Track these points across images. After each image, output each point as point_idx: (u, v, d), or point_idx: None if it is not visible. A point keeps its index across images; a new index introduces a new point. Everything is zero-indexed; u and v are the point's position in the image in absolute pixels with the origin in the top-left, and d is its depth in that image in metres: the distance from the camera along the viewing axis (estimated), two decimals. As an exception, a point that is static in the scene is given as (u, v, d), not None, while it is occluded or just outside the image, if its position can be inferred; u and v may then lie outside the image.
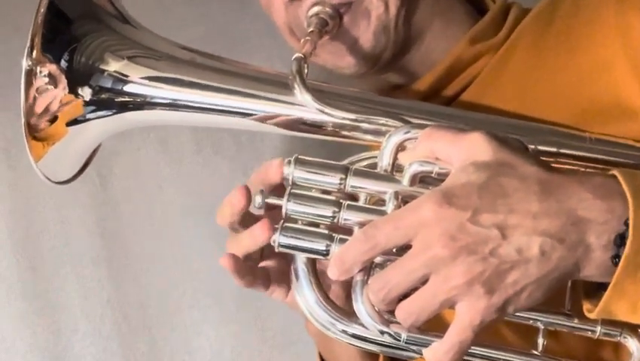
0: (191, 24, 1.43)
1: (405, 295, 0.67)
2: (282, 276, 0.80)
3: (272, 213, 0.76)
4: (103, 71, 0.80)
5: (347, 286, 0.77)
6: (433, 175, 0.69)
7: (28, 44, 0.76)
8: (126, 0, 0.86)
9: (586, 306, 0.71)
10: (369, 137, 0.79)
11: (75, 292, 1.41)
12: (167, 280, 1.44)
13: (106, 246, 1.43)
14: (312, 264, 0.75)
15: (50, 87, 0.78)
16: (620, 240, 0.64)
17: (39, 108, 0.79)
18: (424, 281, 0.66)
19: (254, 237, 0.75)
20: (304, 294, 0.75)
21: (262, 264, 0.81)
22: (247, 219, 0.77)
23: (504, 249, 0.64)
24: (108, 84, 0.80)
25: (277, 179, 0.74)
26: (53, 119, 0.80)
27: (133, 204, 1.44)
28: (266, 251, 0.80)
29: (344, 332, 0.74)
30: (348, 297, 0.76)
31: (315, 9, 0.84)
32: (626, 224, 0.64)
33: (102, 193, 1.43)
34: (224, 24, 1.45)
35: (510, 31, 0.91)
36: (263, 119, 0.80)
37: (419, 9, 0.90)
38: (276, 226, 0.73)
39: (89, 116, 0.81)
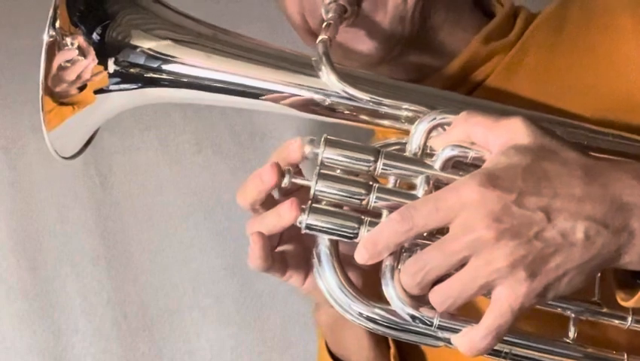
0: (191, 24, 1.43)
1: (437, 281, 0.66)
2: (299, 262, 0.79)
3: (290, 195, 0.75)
4: (134, 46, 0.79)
5: (364, 273, 0.77)
6: (467, 160, 0.68)
7: (50, 14, 0.75)
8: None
9: (619, 295, 0.71)
10: (386, 122, 0.79)
11: (75, 292, 1.39)
12: (167, 280, 1.42)
13: (106, 246, 1.41)
14: (335, 247, 0.73)
15: (80, 57, 0.77)
16: None
17: (69, 76, 0.78)
18: (458, 267, 0.64)
19: (281, 217, 0.73)
20: (326, 278, 0.73)
21: (279, 249, 0.80)
22: (267, 201, 0.76)
23: (549, 232, 0.63)
24: (134, 59, 0.79)
25: (297, 158, 0.73)
26: (82, 87, 0.79)
27: (133, 204, 1.43)
28: (285, 235, 0.79)
29: (369, 318, 0.72)
30: (365, 284, 0.76)
31: None
32: None
33: (102, 193, 1.42)
34: (224, 24, 1.44)
35: (521, 33, 0.92)
36: (279, 100, 0.80)
37: (435, 5, 0.91)
38: (303, 207, 0.71)
39: (112, 87, 0.80)
